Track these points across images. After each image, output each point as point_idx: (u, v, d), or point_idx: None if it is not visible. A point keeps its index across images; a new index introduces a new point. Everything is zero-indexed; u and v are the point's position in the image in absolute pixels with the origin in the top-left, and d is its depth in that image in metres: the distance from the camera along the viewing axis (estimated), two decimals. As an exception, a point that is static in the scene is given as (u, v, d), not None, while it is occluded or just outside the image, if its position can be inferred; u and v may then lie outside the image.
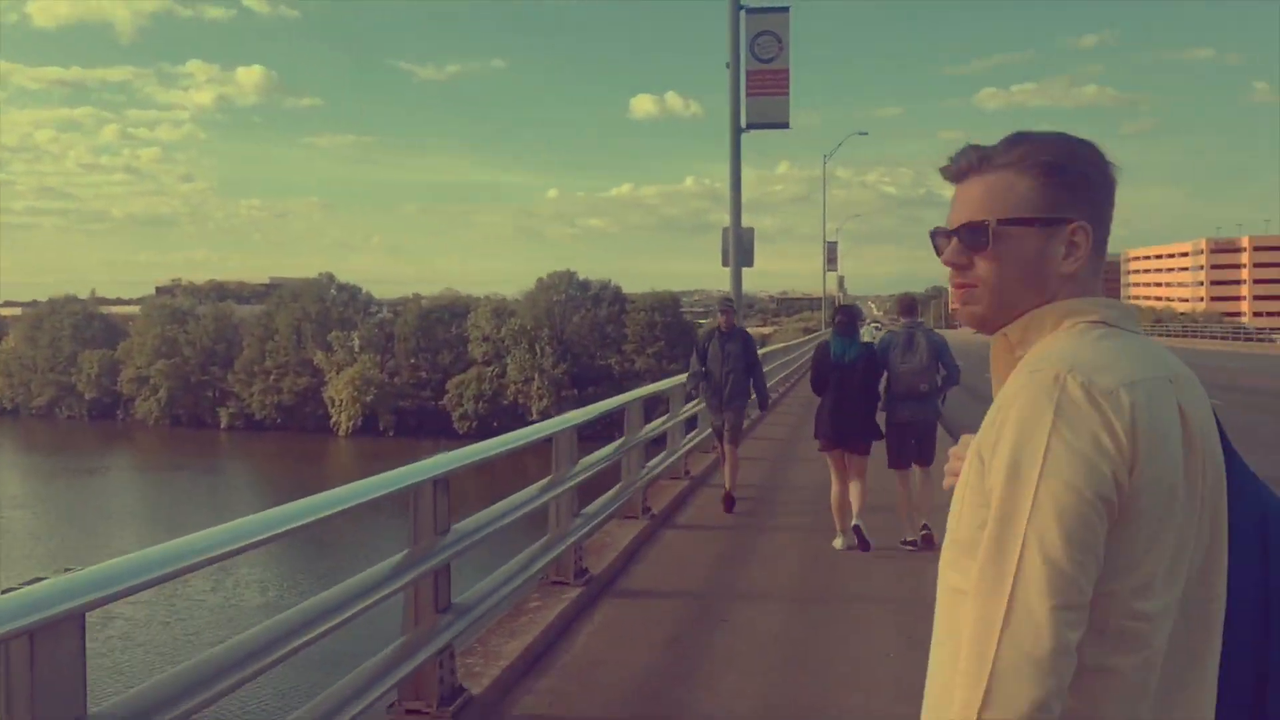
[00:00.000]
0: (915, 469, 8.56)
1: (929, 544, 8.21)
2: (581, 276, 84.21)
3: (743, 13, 15.70)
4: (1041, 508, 1.31)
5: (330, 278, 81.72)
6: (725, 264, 15.90)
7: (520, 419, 74.93)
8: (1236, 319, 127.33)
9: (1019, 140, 1.53)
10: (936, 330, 8.72)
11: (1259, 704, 1.45)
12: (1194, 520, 1.40)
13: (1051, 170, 1.50)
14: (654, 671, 5.47)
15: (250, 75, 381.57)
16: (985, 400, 1.50)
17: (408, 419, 74.68)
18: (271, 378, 75.41)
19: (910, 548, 8.33)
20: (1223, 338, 73.42)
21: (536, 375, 75.02)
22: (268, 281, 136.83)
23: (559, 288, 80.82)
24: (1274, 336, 79.59)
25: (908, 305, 9.20)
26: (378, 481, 4.22)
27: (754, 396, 10.43)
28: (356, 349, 75.91)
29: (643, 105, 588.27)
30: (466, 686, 4.85)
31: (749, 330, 11.02)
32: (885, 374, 8.43)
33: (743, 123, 15.84)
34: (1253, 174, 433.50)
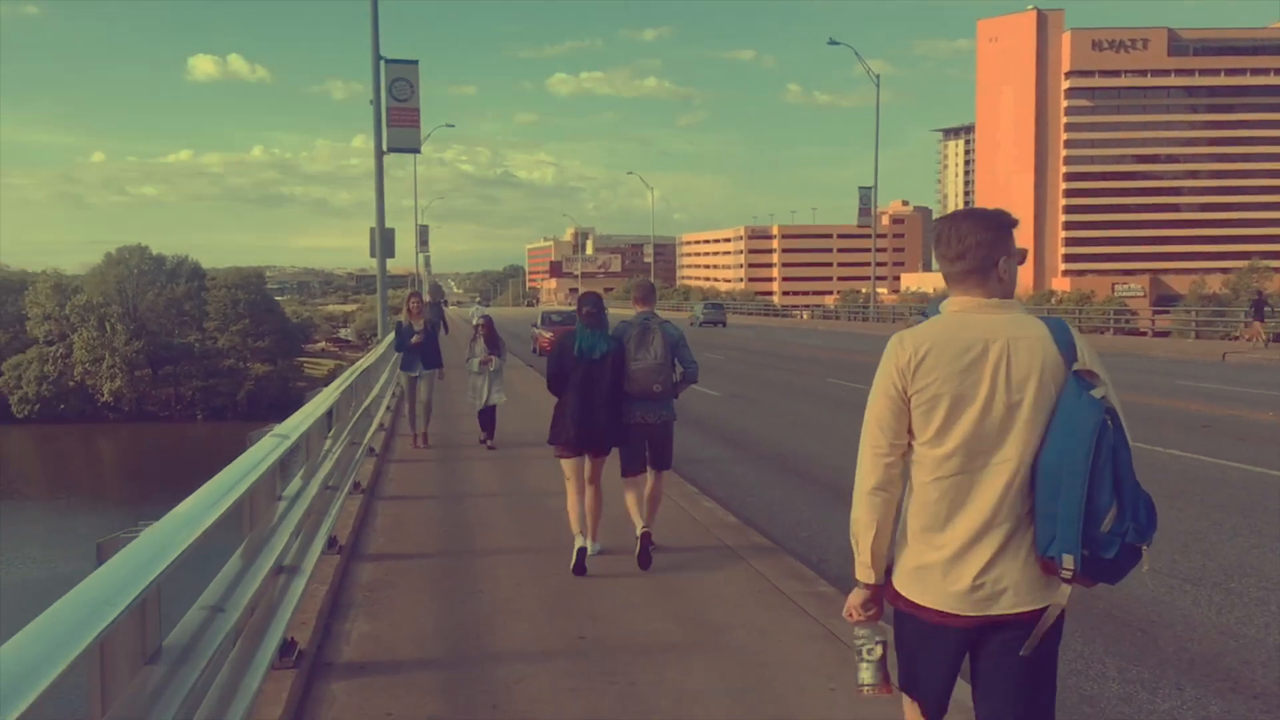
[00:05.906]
0: (650, 474, 7.63)
1: (646, 547, 7.27)
2: (155, 251, 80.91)
3: (382, 62, 19.88)
4: (872, 397, 2.79)
5: None
6: (373, 255, 20.27)
7: (89, 400, 71.85)
8: (768, 297, 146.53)
9: None
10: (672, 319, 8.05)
11: (1090, 523, 2.53)
12: (978, 410, 2.63)
13: None
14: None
15: None
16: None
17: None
18: None
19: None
20: (759, 314, 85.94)
21: (108, 354, 71.89)
22: None
23: (130, 263, 77.52)
24: (796, 312, 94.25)
25: (645, 291, 7.84)
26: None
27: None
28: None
29: (203, 66, 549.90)
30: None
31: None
32: None
33: (384, 147, 20.06)
34: (783, 167, 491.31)
